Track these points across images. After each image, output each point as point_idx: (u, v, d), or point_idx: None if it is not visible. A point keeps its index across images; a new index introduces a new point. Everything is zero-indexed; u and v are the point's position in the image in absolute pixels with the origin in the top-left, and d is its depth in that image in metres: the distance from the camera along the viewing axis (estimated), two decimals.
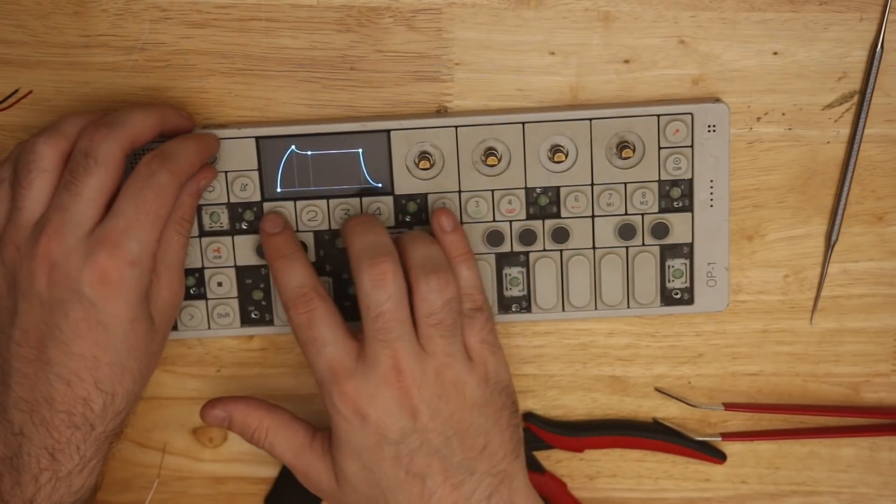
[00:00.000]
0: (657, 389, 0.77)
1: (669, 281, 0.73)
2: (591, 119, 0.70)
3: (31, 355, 0.63)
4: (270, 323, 0.74)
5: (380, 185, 0.71)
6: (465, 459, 0.66)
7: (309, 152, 0.71)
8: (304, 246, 0.72)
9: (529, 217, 0.72)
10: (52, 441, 0.64)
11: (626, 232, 0.72)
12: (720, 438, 0.77)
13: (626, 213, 0.72)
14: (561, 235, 0.72)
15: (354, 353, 0.66)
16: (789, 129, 0.72)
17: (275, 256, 0.69)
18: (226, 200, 0.71)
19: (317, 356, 0.66)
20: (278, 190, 0.71)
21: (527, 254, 0.72)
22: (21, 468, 0.64)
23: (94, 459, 0.66)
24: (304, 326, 0.66)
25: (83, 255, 0.62)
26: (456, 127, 0.70)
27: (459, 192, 0.71)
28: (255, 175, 0.71)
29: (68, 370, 0.63)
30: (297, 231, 0.72)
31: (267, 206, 0.71)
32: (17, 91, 0.72)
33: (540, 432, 0.76)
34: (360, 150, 0.71)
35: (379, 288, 0.64)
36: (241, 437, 0.70)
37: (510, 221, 0.72)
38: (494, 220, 0.72)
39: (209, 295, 0.73)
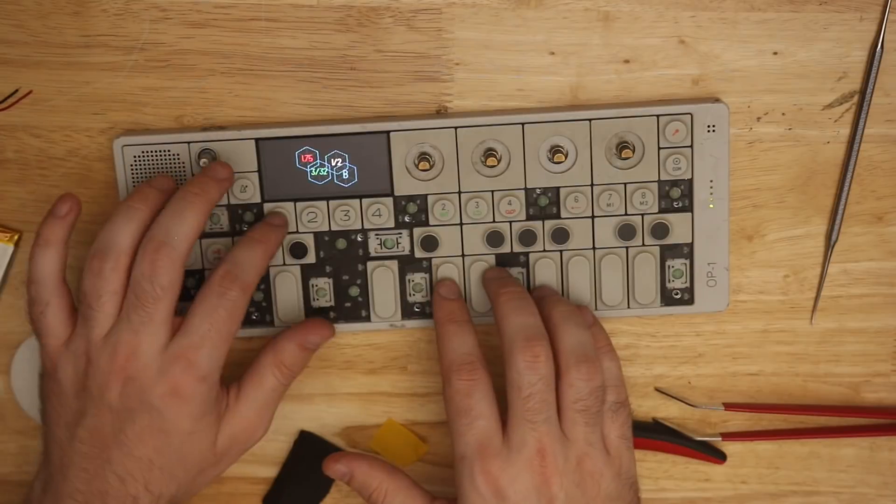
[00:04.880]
0: (657, 389, 0.77)
1: (669, 281, 0.73)
2: (590, 119, 0.70)
3: (93, 453, 0.66)
4: (271, 324, 0.74)
5: (380, 186, 0.71)
6: None
7: (309, 155, 0.71)
8: (305, 248, 0.72)
9: (529, 218, 0.72)
10: None
11: (625, 232, 0.72)
12: (720, 438, 0.77)
13: (625, 214, 0.72)
14: (561, 236, 0.72)
15: (501, 433, 0.67)
16: (789, 129, 0.72)
17: (447, 320, 0.70)
18: (226, 202, 0.72)
19: (468, 427, 0.67)
20: (278, 191, 0.71)
21: (527, 254, 0.72)
22: None
23: None
24: (462, 393, 0.67)
25: (158, 371, 0.66)
26: (455, 128, 0.70)
27: (459, 192, 0.71)
28: (255, 177, 0.71)
29: (124, 469, 0.66)
30: (298, 232, 0.72)
31: (267, 206, 0.72)
32: (17, 91, 0.72)
33: None
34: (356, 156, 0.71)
35: (532, 369, 0.66)
36: (358, 494, 0.71)
37: (510, 222, 0.72)
38: (494, 221, 0.72)
39: None
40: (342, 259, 0.73)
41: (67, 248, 0.68)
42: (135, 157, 0.71)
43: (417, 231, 0.72)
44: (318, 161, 0.71)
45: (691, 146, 0.71)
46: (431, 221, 0.72)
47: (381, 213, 0.72)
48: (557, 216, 0.72)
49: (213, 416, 0.68)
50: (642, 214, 0.72)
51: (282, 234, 0.71)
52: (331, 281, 0.73)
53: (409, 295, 0.73)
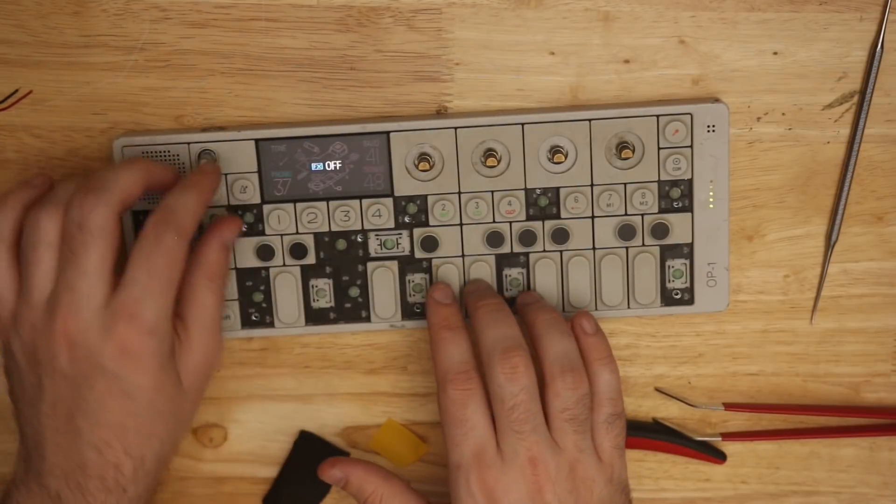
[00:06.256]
0: (657, 389, 0.77)
1: (669, 281, 0.73)
2: (590, 120, 0.70)
3: (62, 426, 0.64)
4: (271, 325, 0.73)
5: (380, 187, 0.71)
6: None
7: (308, 156, 0.71)
8: (305, 248, 0.72)
9: (529, 218, 0.72)
10: None
11: (625, 232, 0.72)
12: (720, 438, 0.77)
13: (625, 214, 0.72)
14: (561, 236, 0.72)
15: (496, 441, 0.67)
16: (789, 129, 0.72)
17: (443, 326, 0.70)
18: (226, 203, 0.71)
19: (464, 438, 0.67)
20: (278, 192, 0.71)
21: (527, 255, 0.72)
22: None
23: None
24: (458, 403, 0.67)
25: (101, 329, 0.63)
26: (455, 128, 0.70)
27: (459, 193, 0.71)
28: (255, 178, 0.71)
29: (98, 438, 0.64)
30: (297, 233, 0.72)
31: (267, 208, 0.71)
32: (17, 91, 0.72)
33: None
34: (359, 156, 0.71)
35: (512, 380, 0.66)
36: (354, 499, 0.71)
37: (510, 222, 0.72)
38: (494, 222, 0.72)
39: None
40: (342, 260, 0.73)
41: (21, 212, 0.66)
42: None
43: (417, 231, 0.72)
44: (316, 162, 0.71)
45: (691, 146, 0.71)
46: (431, 222, 0.72)
47: (381, 213, 0.72)
48: (557, 216, 0.72)
49: (171, 362, 0.65)
50: (642, 214, 0.72)
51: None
52: (331, 281, 0.73)
53: (410, 295, 0.73)
